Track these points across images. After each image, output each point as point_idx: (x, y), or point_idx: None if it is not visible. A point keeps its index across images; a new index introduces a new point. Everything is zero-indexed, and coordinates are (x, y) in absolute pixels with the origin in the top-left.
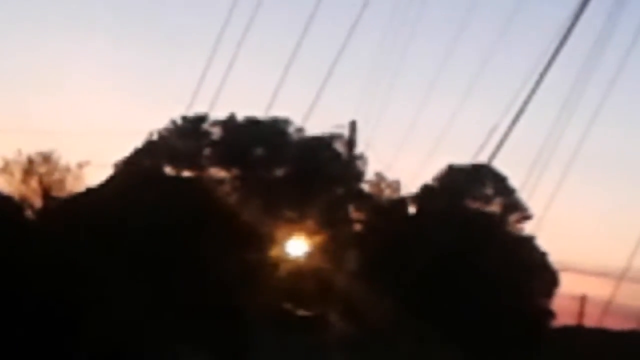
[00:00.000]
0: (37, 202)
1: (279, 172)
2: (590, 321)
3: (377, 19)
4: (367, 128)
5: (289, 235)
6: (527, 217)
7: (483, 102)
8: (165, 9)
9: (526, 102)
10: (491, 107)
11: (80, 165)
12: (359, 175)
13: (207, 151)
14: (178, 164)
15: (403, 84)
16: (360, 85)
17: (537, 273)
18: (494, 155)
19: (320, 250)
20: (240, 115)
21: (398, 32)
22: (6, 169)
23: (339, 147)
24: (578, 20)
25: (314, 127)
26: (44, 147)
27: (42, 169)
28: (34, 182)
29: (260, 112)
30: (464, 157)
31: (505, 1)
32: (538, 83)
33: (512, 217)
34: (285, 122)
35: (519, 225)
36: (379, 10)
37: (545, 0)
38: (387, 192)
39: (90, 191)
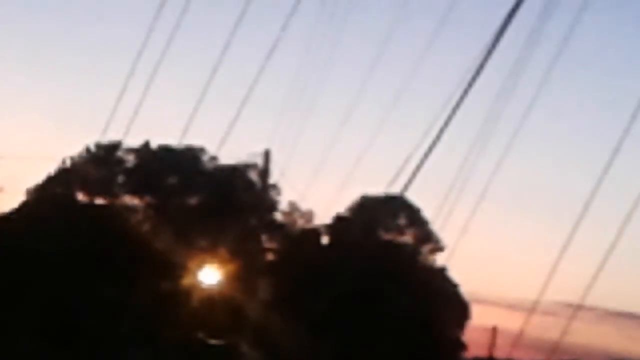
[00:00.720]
0: None
1: (193, 200)
2: (501, 353)
3: (292, 47)
4: (281, 157)
5: (202, 264)
6: (439, 248)
7: (397, 133)
8: (80, 36)
9: (440, 133)
10: (405, 138)
11: None
12: (272, 205)
13: (120, 179)
14: (91, 191)
15: (317, 113)
16: (274, 114)
17: (449, 304)
18: (407, 185)
19: (232, 279)
20: (155, 143)
21: (313, 60)
22: None
23: (253, 176)
24: (493, 52)
25: (228, 156)
26: None
27: None
28: None
29: (174, 140)
30: (377, 188)
31: (421, 32)
32: (453, 113)
33: (425, 248)
34: (200, 150)
35: (432, 257)
36: (294, 38)
37: (461, 31)
38: (301, 222)
39: (1, 218)
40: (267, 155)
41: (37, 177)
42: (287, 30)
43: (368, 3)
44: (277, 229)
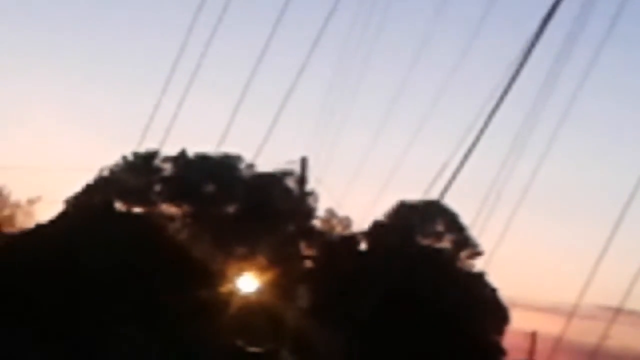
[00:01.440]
0: None
1: (230, 208)
2: (541, 358)
3: (328, 55)
4: (318, 164)
5: (240, 271)
6: (477, 253)
7: (434, 138)
8: (118, 46)
9: (477, 139)
10: (442, 144)
11: (30, 201)
12: (310, 212)
13: (157, 187)
14: (129, 200)
15: (354, 120)
16: (311, 121)
17: (488, 309)
18: (445, 191)
19: (271, 287)
20: (191, 152)
21: (349, 68)
22: None
23: (290, 183)
24: (528, 58)
25: (265, 163)
26: None
27: None
28: None
29: (211, 148)
30: (415, 194)
31: (456, 38)
32: (489, 119)
33: (463, 254)
34: (236, 158)
35: (470, 262)
36: (331, 46)
37: (496, 37)
38: (338, 229)
39: (40, 227)
40: (304, 162)
41: (75, 186)
42: (323, 37)
43: (404, 11)
44: (315, 235)
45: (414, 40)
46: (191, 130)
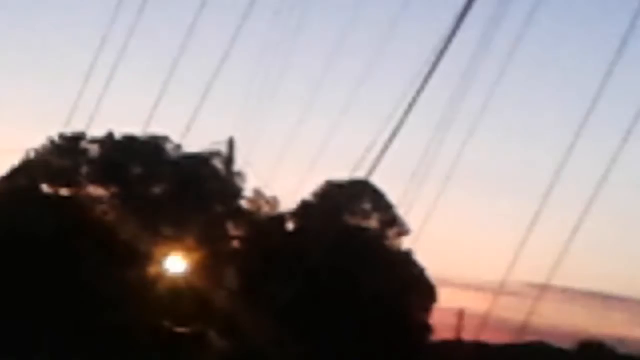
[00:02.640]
0: None
1: (157, 189)
2: (468, 335)
3: (254, 35)
4: (245, 145)
5: (168, 252)
6: (405, 232)
7: (361, 118)
8: (42, 28)
9: (403, 117)
10: (369, 123)
11: None
12: (237, 192)
13: (84, 169)
14: (56, 182)
15: (280, 101)
16: (238, 102)
17: (416, 287)
18: (371, 170)
19: (199, 268)
20: (118, 133)
21: (275, 49)
22: None
23: (217, 164)
24: (454, 36)
25: (193, 144)
26: None
27: None
28: None
29: (138, 129)
30: (342, 173)
31: (382, 17)
32: (415, 98)
33: (391, 232)
34: (163, 139)
35: (397, 240)
36: (257, 26)
37: (422, 16)
38: (266, 209)
39: None
40: (231, 143)
41: (2, 169)
42: (249, 18)
43: None
44: (243, 216)
45: (341, 19)
46: (118, 112)
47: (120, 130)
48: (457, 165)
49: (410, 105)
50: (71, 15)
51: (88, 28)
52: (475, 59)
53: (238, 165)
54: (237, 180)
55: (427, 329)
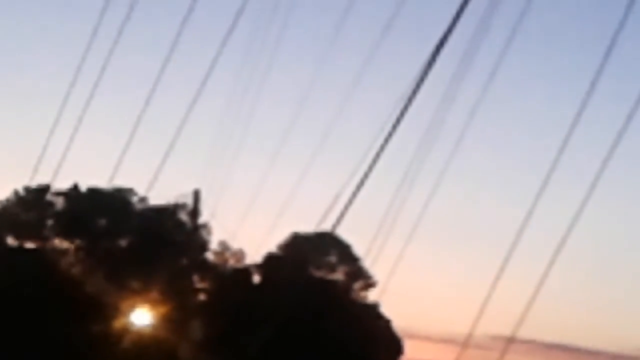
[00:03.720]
0: None
1: (123, 242)
2: None
3: (220, 88)
4: (211, 197)
5: (134, 305)
6: (371, 284)
7: (327, 171)
8: (5, 74)
9: (368, 170)
10: (335, 176)
11: None
12: (203, 245)
13: (50, 222)
14: (20, 235)
15: (246, 153)
16: (203, 154)
17: (382, 340)
18: (337, 222)
19: (165, 321)
20: (84, 186)
21: (241, 101)
22: None
23: (183, 216)
24: (420, 88)
25: (158, 197)
26: None
27: None
28: None
29: (103, 182)
30: (308, 225)
31: (347, 69)
32: (381, 151)
33: (357, 285)
34: (129, 191)
35: (364, 293)
36: (222, 78)
37: (389, 67)
38: (232, 261)
39: None
40: (196, 195)
41: None
42: (215, 69)
43: (294, 44)
44: (209, 268)
45: (305, 74)
46: (83, 165)
47: (85, 182)
48: (423, 218)
49: (375, 158)
50: (36, 66)
51: (53, 80)
52: (441, 110)
53: (204, 217)
54: (203, 233)
55: None
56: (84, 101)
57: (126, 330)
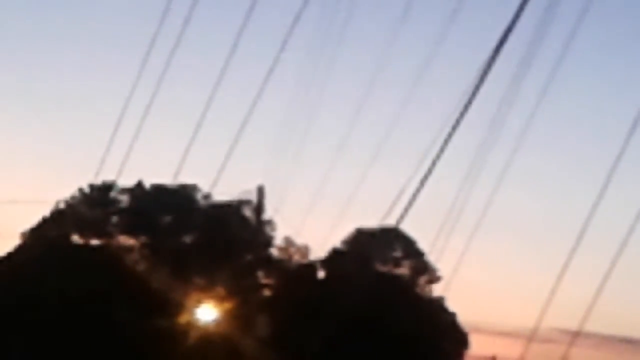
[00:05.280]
0: None
1: (188, 238)
2: None
3: (284, 83)
4: (275, 193)
5: (199, 301)
6: (436, 279)
7: (391, 165)
8: (71, 78)
9: (433, 164)
10: (399, 170)
11: None
12: (267, 241)
13: (115, 219)
14: (86, 233)
15: (311, 148)
16: (267, 149)
17: (448, 334)
18: (402, 217)
19: (229, 317)
20: (148, 183)
21: (305, 96)
22: None
23: (247, 212)
24: (482, 83)
25: (222, 193)
26: None
27: None
28: None
29: (167, 179)
30: (372, 220)
31: (410, 65)
32: (445, 144)
33: (422, 279)
34: (193, 188)
35: (429, 287)
36: (286, 73)
37: (451, 63)
38: (296, 257)
39: None
40: (260, 191)
41: (32, 220)
42: (278, 64)
43: (356, 39)
44: (273, 264)
45: (369, 67)
46: (147, 161)
47: (149, 179)
48: (487, 212)
49: (440, 152)
50: (99, 66)
51: (116, 77)
52: (505, 105)
53: (268, 213)
54: (268, 229)
55: None
56: (147, 99)
57: (191, 326)
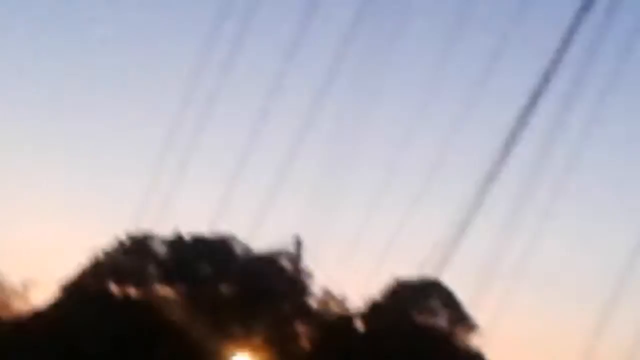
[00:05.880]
0: None
1: (225, 289)
2: None
3: (320, 131)
4: (312, 242)
5: (236, 351)
6: (474, 329)
7: (429, 213)
8: (108, 127)
9: (470, 215)
10: (436, 220)
11: (25, 285)
12: (305, 290)
13: (152, 268)
14: (124, 282)
15: (348, 196)
16: (304, 198)
17: None
18: (440, 268)
19: None
20: (185, 232)
21: (341, 145)
22: None
23: (285, 262)
24: (519, 134)
25: (260, 242)
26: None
27: None
28: None
29: (205, 228)
30: (410, 269)
31: (447, 113)
32: (482, 196)
33: (460, 330)
34: (231, 238)
35: (467, 338)
36: (324, 121)
37: (488, 110)
38: (334, 307)
39: (37, 314)
40: (297, 241)
41: (70, 268)
42: (314, 113)
43: (396, 82)
44: (311, 315)
45: (407, 115)
46: (184, 211)
47: (187, 229)
48: (525, 264)
49: (478, 202)
50: (137, 114)
51: (153, 128)
52: (541, 158)
53: (306, 263)
54: (305, 279)
55: None
56: (185, 148)
57: None
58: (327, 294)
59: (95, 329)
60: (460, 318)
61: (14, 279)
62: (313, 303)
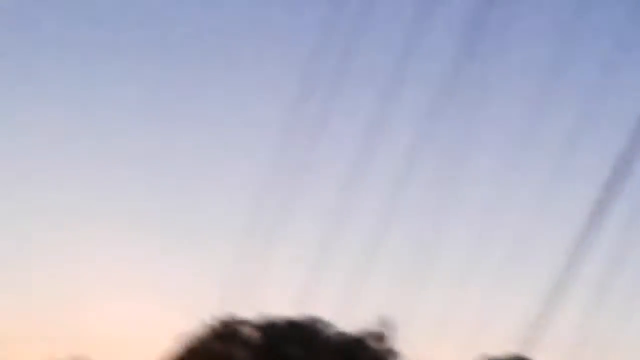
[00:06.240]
0: None
1: None
2: None
3: (405, 210)
4: (400, 322)
5: None
6: None
7: (515, 293)
8: (190, 212)
9: (560, 291)
10: (524, 298)
11: None
12: None
13: (240, 352)
14: None
15: (434, 276)
16: (391, 279)
17: None
18: (530, 344)
19: None
20: (269, 314)
21: (426, 225)
22: None
23: (374, 343)
24: (603, 214)
25: (347, 324)
26: (77, 353)
27: None
28: None
29: (289, 310)
30: (498, 348)
31: (533, 187)
32: (572, 269)
33: None
34: (320, 321)
35: None
36: (405, 206)
37: (573, 185)
38: None
39: None
40: (385, 321)
41: (154, 353)
42: (397, 192)
43: (480, 167)
44: None
45: (493, 192)
46: (268, 293)
47: (270, 311)
48: (614, 340)
49: (565, 280)
50: (218, 198)
51: (237, 209)
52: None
53: (393, 343)
54: (394, 359)
55: None
56: (267, 228)
57: None
58: None
59: None
60: None
61: None
62: None
